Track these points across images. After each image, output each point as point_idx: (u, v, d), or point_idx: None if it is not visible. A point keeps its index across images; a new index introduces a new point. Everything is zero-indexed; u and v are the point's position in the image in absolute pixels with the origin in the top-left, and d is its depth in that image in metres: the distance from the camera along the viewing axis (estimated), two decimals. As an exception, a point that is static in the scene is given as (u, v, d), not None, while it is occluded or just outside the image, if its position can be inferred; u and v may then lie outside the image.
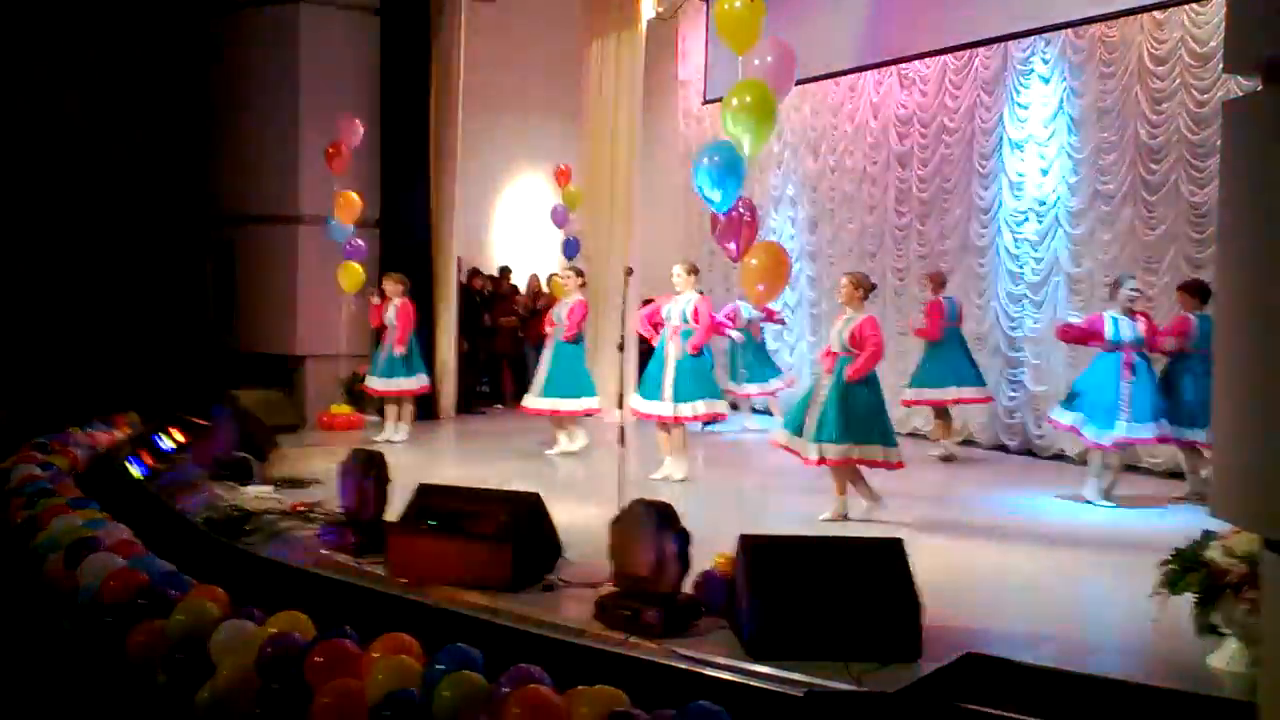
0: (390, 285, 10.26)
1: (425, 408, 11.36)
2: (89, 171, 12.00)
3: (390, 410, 10.34)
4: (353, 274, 11.11)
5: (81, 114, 11.97)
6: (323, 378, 11.51)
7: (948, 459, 9.51)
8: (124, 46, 12.28)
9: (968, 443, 10.34)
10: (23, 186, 11.56)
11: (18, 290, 11.43)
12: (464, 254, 12.83)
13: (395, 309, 10.18)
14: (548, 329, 9.63)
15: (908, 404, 9.93)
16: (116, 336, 11.84)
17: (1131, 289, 7.66)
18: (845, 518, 6.90)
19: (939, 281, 9.61)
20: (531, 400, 9.62)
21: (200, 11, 12.55)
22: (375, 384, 10.31)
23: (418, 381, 10.42)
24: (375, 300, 10.41)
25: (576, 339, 9.58)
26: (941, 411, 9.65)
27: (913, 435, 10.43)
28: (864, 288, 7.16)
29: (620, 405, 6.85)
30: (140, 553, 5.83)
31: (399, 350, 10.13)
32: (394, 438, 10.09)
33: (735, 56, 6.70)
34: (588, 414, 9.68)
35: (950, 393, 9.38)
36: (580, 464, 9.35)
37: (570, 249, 12.99)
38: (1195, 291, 7.74)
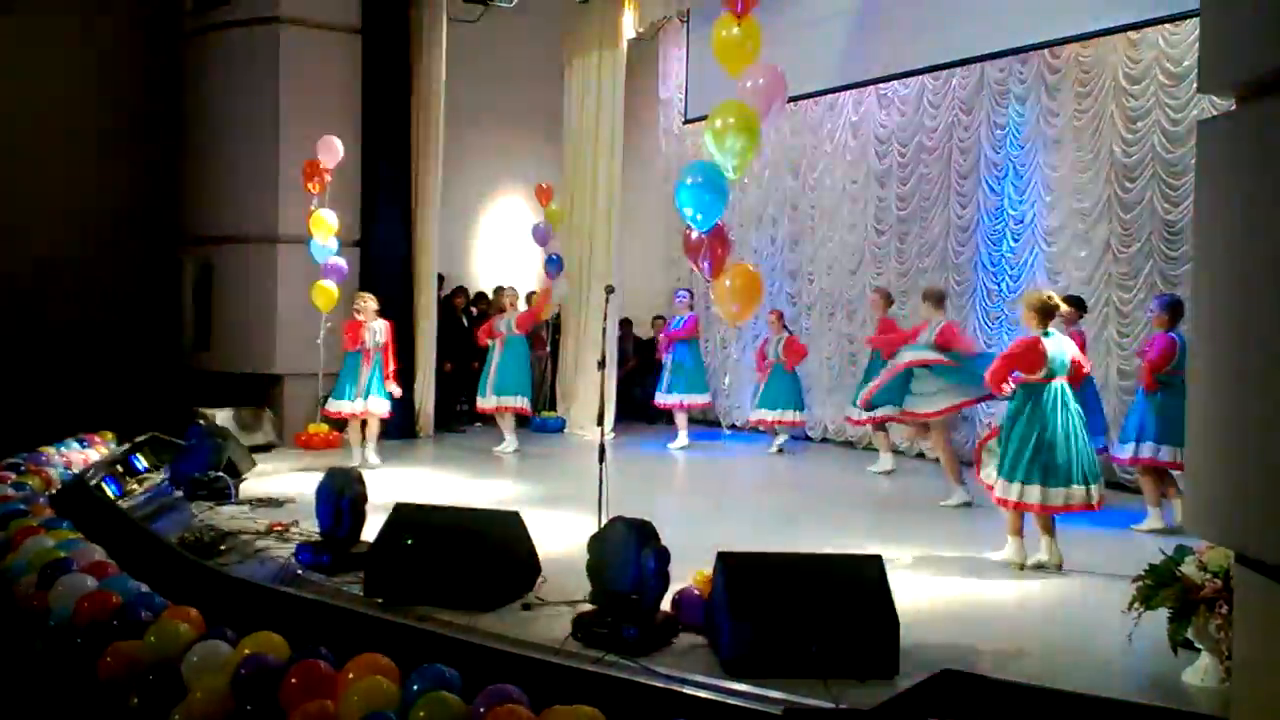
0: (368, 304, 9.96)
1: (405, 427, 11.29)
2: (67, 190, 11.93)
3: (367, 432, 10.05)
4: (326, 294, 10.83)
5: (59, 131, 11.91)
6: (300, 397, 11.43)
7: (888, 473, 9.83)
8: (104, 66, 12.24)
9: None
10: (-1, 204, 11.50)
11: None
12: (446, 272, 12.82)
13: (384, 329, 9.98)
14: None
15: (854, 422, 10.42)
16: (93, 355, 11.76)
17: None
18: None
19: (885, 297, 9.84)
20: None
21: (180, 30, 12.53)
22: (360, 405, 9.92)
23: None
24: (361, 317, 9.90)
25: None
26: (882, 428, 9.81)
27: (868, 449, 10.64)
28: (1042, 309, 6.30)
29: (600, 423, 6.80)
30: (114, 574, 5.79)
31: (388, 372, 9.96)
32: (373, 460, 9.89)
33: (716, 76, 6.73)
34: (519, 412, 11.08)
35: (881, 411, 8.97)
36: (559, 482, 9.32)
37: (552, 267, 12.99)
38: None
